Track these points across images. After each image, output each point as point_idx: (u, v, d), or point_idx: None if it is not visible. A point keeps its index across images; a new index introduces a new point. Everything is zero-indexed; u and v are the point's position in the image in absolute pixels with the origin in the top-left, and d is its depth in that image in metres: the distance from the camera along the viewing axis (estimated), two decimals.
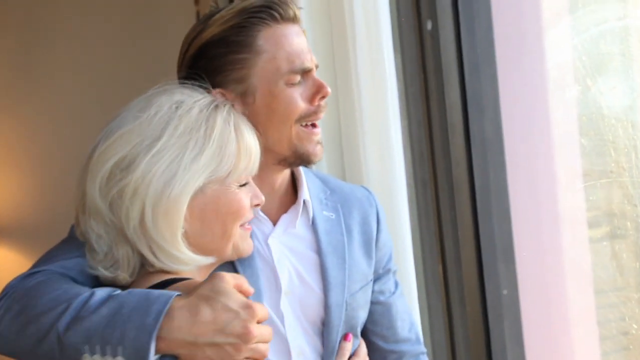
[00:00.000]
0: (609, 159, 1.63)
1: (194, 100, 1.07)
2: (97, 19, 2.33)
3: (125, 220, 1.02)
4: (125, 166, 1.02)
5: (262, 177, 1.17)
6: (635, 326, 1.68)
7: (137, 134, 1.03)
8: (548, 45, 1.65)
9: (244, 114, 1.15)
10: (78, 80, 2.32)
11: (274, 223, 1.23)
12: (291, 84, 1.17)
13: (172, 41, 2.09)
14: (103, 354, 0.92)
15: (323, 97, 1.19)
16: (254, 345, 0.95)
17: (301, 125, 1.18)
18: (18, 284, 1.03)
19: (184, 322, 0.92)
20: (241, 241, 1.10)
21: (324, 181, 1.35)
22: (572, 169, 1.67)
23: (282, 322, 1.20)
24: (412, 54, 1.73)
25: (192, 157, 1.03)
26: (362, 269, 1.29)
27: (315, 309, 1.24)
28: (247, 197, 1.10)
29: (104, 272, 1.03)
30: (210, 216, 1.06)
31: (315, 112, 1.19)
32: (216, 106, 1.08)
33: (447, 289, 1.75)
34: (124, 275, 1.04)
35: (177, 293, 0.96)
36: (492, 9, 1.66)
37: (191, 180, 1.02)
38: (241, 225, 1.10)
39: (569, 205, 1.69)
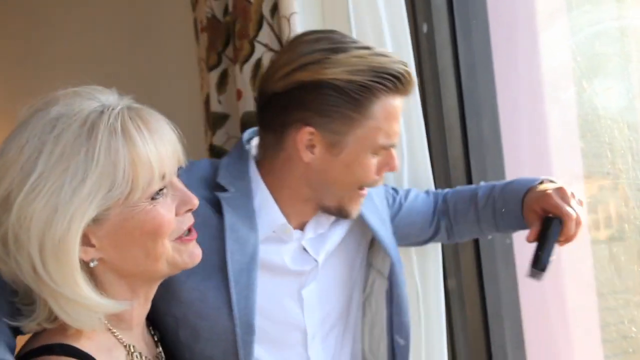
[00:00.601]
0: (605, 160, 1.61)
1: (75, 112, 0.87)
2: (97, 19, 2.30)
3: (18, 269, 0.87)
4: (2, 210, 0.86)
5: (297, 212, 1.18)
6: (635, 329, 1.66)
7: (9, 169, 0.86)
8: (543, 47, 1.64)
9: (318, 158, 1.12)
10: (77, 79, 2.30)
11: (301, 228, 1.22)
12: (375, 155, 1.15)
13: (170, 43, 2.10)
14: None
15: (390, 170, 1.20)
16: None
17: (359, 188, 1.18)
18: None
19: None
20: (178, 255, 0.95)
21: None
22: (570, 170, 1.65)
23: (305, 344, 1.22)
24: (407, 56, 1.65)
25: (73, 187, 0.84)
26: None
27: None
28: (169, 209, 0.92)
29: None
30: (124, 241, 0.90)
31: (377, 182, 1.20)
32: (100, 113, 0.88)
33: (446, 291, 1.69)
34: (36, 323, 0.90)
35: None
36: (488, 11, 1.64)
37: (77, 213, 0.84)
38: (177, 239, 0.94)
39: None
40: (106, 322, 0.94)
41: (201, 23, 1.68)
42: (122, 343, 0.97)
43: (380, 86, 1.08)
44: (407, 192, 1.43)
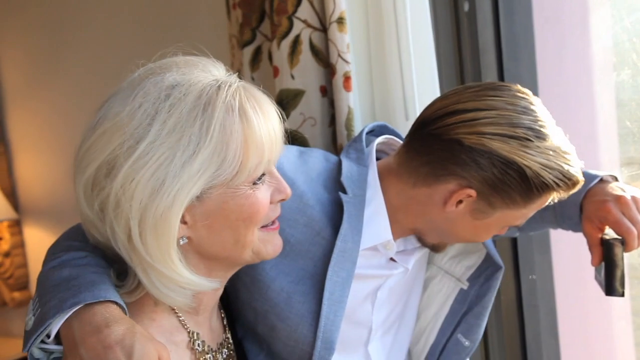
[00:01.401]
0: None
1: (191, 84, 0.84)
2: (128, 2, 2.29)
3: (112, 236, 0.84)
4: (106, 173, 0.82)
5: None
6: None
7: (118, 132, 0.81)
8: (594, 26, 1.56)
9: (459, 213, 1.08)
10: (108, 63, 2.30)
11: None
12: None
13: (201, 25, 2.09)
14: (34, 306, 0.85)
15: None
16: None
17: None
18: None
19: (84, 329, 0.81)
20: (263, 245, 0.92)
21: None
22: (614, 155, 1.60)
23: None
24: (447, 36, 1.66)
25: (184, 160, 0.81)
26: None
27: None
28: (265, 195, 0.89)
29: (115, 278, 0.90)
30: (217, 224, 0.87)
31: None
32: (217, 88, 0.84)
33: None
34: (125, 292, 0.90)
35: (121, 303, 0.84)
36: None
37: (183, 188, 0.81)
38: (263, 227, 0.92)
39: None
40: (183, 318, 0.93)
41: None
42: (185, 328, 0.94)
43: (558, 188, 1.04)
44: None
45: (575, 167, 1.05)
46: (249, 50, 1.59)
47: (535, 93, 1.59)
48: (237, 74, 0.90)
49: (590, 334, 1.70)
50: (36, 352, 0.84)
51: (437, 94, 1.45)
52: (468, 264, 1.28)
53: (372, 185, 1.12)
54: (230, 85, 0.85)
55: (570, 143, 1.07)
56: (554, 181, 1.02)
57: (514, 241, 1.64)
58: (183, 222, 0.85)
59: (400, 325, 1.27)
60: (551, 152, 1.02)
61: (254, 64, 1.60)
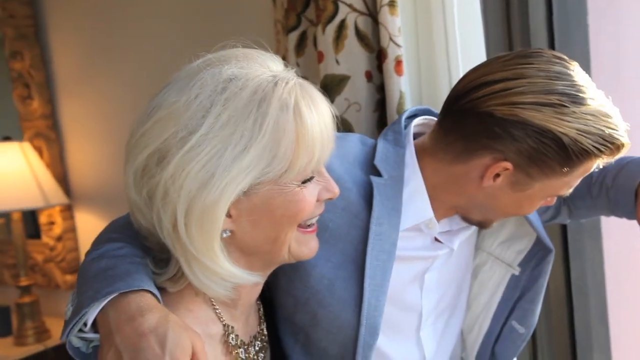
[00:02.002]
0: None
1: (248, 78, 0.83)
2: None
3: (158, 224, 0.85)
4: (158, 161, 0.83)
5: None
6: None
7: (172, 122, 0.82)
8: None
9: (497, 187, 1.05)
10: (156, 53, 2.31)
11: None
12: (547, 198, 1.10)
13: (244, 5, 2.09)
14: (73, 297, 0.87)
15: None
16: None
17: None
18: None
19: (119, 317, 0.82)
20: (298, 246, 0.92)
21: None
22: None
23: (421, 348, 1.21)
24: (496, 17, 1.61)
25: (234, 154, 0.81)
26: None
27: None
28: (313, 194, 0.89)
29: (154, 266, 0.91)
30: (262, 219, 0.87)
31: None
32: (274, 84, 0.83)
33: None
34: (164, 279, 0.90)
35: (154, 291, 0.84)
36: None
37: (232, 183, 0.81)
38: (300, 227, 0.91)
39: None
40: (220, 311, 0.94)
41: None
42: (221, 321, 0.94)
43: (599, 152, 0.99)
44: None
45: (619, 130, 1.00)
46: (294, 36, 1.58)
47: (587, 70, 1.56)
48: (295, 69, 0.89)
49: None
50: (75, 341, 0.86)
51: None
52: (519, 249, 1.25)
53: (410, 165, 1.10)
54: (287, 83, 0.84)
55: (613, 106, 1.01)
56: (595, 146, 0.98)
57: (564, 227, 1.61)
58: (228, 215, 0.85)
59: (453, 312, 1.25)
60: (590, 117, 0.97)
61: (299, 50, 1.59)
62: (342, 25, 1.43)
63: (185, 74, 0.86)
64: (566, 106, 0.96)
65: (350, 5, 1.42)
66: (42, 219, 2.78)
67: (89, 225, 2.74)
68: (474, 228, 1.20)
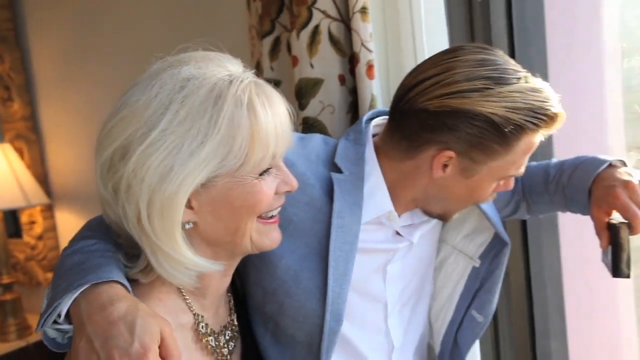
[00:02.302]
0: None
1: (205, 77, 0.87)
2: None
3: (123, 216, 0.88)
4: (121, 156, 0.86)
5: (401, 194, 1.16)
6: None
7: (135, 119, 0.85)
8: (604, 15, 1.56)
9: (448, 177, 1.09)
10: (133, 56, 2.32)
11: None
12: (499, 181, 1.13)
13: (223, 16, 2.10)
14: (48, 291, 0.88)
15: (505, 189, 1.18)
16: None
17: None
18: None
19: (91, 307, 0.84)
20: (259, 236, 0.94)
21: None
22: (621, 139, 1.61)
23: (387, 333, 1.23)
24: (460, 26, 1.66)
25: (191, 149, 0.84)
26: None
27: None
28: (271, 186, 0.92)
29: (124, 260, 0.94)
30: (221, 210, 0.90)
31: (490, 200, 1.19)
32: (229, 82, 0.87)
33: None
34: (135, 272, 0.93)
35: (123, 282, 0.87)
36: None
37: (189, 176, 0.85)
38: (260, 218, 0.94)
39: None
40: (180, 287, 0.96)
41: None
42: (191, 310, 0.97)
43: (533, 126, 1.04)
44: None
45: (549, 102, 1.04)
46: (268, 41, 1.61)
47: (546, 80, 1.60)
48: (253, 70, 0.94)
49: (595, 310, 1.71)
50: (50, 332, 0.88)
51: None
52: (479, 242, 1.31)
53: (370, 162, 1.14)
54: (242, 81, 0.88)
55: (549, 87, 1.05)
56: (527, 120, 1.02)
57: (524, 223, 1.66)
58: (190, 207, 0.89)
59: (418, 301, 1.30)
60: (516, 94, 1.01)
61: (273, 54, 1.62)
62: (315, 31, 1.47)
63: (147, 75, 0.90)
64: (491, 88, 1.01)
65: (323, 12, 1.46)
66: (23, 218, 2.79)
67: (69, 224, 2.74)
68: (434, 221, 1.24)
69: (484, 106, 1.01)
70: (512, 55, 1.62)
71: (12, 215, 2.84)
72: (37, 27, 2.72)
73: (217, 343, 1.01)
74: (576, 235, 1.66)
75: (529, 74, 1.07)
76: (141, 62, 0.91)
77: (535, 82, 1.05)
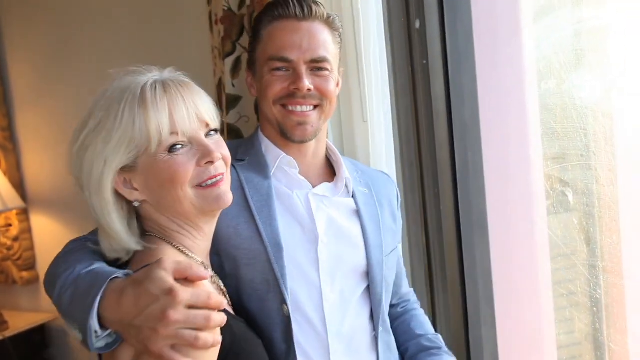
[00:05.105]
0: (580, 143, 1.64)
1: (121, 86, 1.03)
2: (120, 13, 2.35)
3: (88, 200, 1.04)
4: (79, 149, 1.03)
5: (297, 146, 1.33)
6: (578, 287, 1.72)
7: (82, 122, 1.04)
8: (525, 42, 1.65)
9: (255, 86, 1.36)
10: (108, 65, 2.36)
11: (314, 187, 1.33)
12: (273, 70, 1.29)
13: (187, 37, 2.16)
14: (74, 329, 0.93)
15: (296, 89, 1.28)
16: (174, 331, 0.84)
17: (281, 105, 1.31)
18: (64, 248, 1.11)
19: (112, 303, 0.89)
20: (201, 201, 1.03)
21: (353, 164, 1.46)
22: (539, 152, 1.69)
23: (317, 267, 1.27)
24: (401, 49, 1.75)
25: (106, 140, 0.99)
26: (392, 235, 1.40)
27: (356, 260, 1.31)
28: (187, 160, 1.01)
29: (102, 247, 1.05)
30: (154, 185, 1.02)
31: (289, 96, 1.29)
32: (137, 84, 1.02)
33: (429, 256, 1.80)
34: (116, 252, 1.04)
35: (117, 274, 0.92)
36: (472, 10, 1.66)
37: (108, 159, 0.99)
38: (197, 186, 1.03)
39: (537, 185, 1.72)
40: (182, 248, 1.06)
41: (216, 16, 1.72)
42: (195, 260, 1.08)
43: (266, 16, 1.31)
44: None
45: None
46: (229, 60, 1.70)
47: (475, 99, 1.71)
48: (179, 73, 1.09)
49: (520, 301, 1.77)
50: (99, 344, 0.92)
51: (390, 100, 1.62)
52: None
53: (258, 136, 1.38)
54: (147, 82, 1.02)
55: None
56: (263, 13, 1.34)
57: (458, 224, 1.73)
58: (134, 188, 1.03)
59: (341, 239, 1.33)
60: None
61: (234, 72, 1.71)
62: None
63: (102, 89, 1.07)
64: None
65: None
66: (0, 221, 2.79)
67: (44, 227, 2.76)
68: (350, 204, 1.36)
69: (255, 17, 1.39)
70: (446, 75, 1.70)
71: None
72: (13, 37, 2.72)
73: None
74: (504, 236, 1.74)
75: None
76: (111, 76, 1.06)
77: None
